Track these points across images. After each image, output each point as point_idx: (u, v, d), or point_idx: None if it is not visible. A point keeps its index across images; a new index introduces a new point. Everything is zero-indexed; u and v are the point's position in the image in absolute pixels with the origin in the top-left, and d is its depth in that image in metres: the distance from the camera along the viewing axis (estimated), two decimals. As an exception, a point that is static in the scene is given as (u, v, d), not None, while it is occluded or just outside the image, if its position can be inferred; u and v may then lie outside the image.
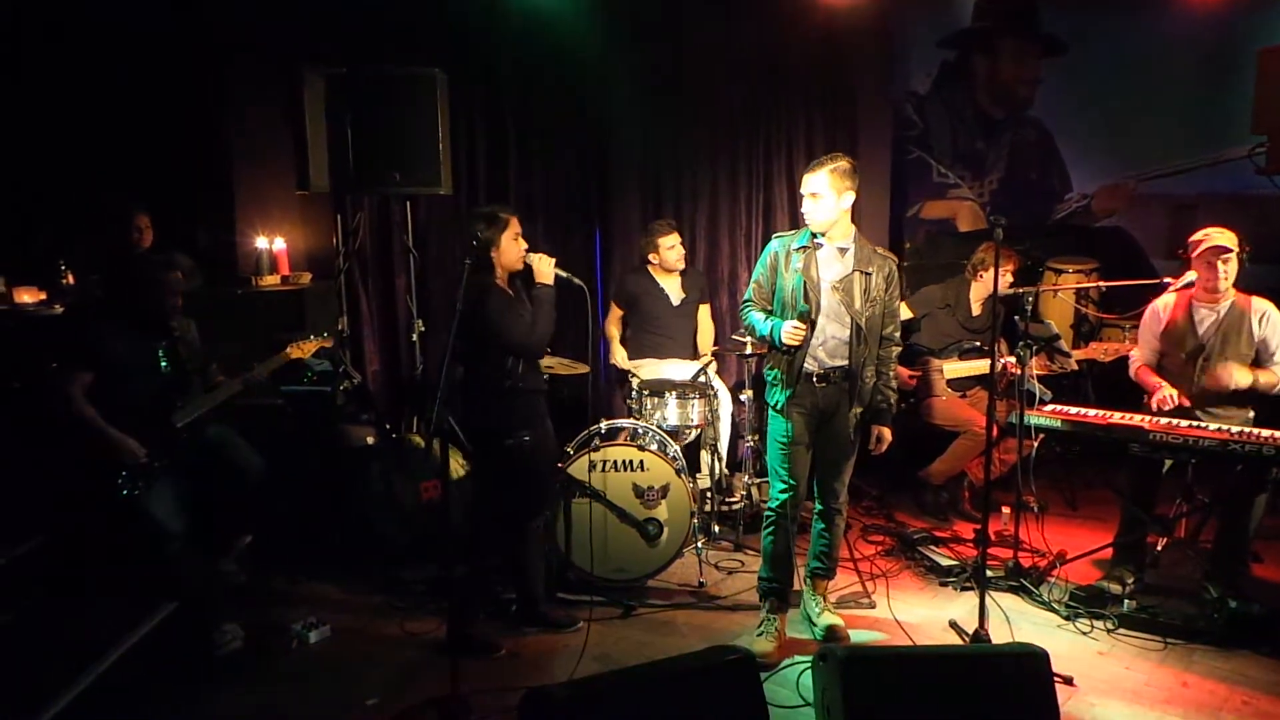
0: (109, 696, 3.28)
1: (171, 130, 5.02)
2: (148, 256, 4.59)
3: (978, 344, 5.00)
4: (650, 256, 5.05)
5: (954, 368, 4.98)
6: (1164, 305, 4.14)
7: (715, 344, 5.31)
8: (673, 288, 5.10)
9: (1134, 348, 4.29)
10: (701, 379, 4.72)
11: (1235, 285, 3.98)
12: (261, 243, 5.06)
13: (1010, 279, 4.81)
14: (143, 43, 4.92)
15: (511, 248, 3.59)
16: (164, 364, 3.77)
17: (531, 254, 3.64)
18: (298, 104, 4.54)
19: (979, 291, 5.00)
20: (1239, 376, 3.79)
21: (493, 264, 3.56)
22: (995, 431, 3.74)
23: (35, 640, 3.64)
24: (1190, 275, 3.95)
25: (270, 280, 5.02)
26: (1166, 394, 3.93)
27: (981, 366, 4.93)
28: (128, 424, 3.60)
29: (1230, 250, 3.88)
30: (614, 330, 5.22)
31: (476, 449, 3.76)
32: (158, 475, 3.63)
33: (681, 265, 5.06)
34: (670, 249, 4.99)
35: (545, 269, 3.62)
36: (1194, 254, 3.96)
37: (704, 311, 5.25)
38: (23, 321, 4.59)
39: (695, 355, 5.13)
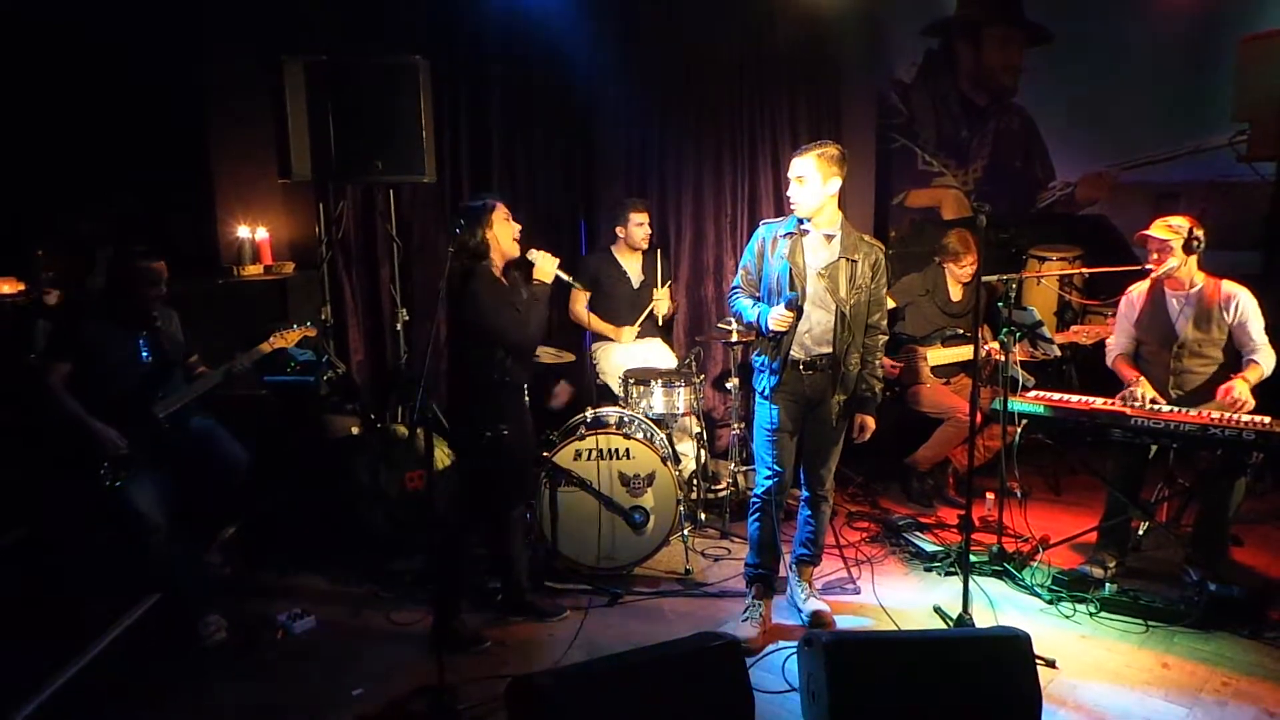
0: (94, 688, 3.26)
1: (151, 119, 4.97)
2: (128, 248, 4.54)
3: (959, 330, 5.03)
4: (618, 231, 5.07)
5: (938, 354, 5.01)
6: (1137, 293, 4.16)
7: (687, 327, 5.30)
8: (634, 269, 5.12)
9: (1112, 332, 4.31)
10: (686, 369, 4.73)
11: (1207, 270, 4.00)
12: (243, 232, 5.02)
13: (971, 270, 4.91)
14: (123, 31, 4.86)
15: (505, 230, 3.51)
16: (145, 355, 3.74)
17: (534, 250, 3.59)
18: (278, 92, 4.50)
19: (954, 276, 5.04)
20: (1241, 390, 3.73)
21: (487, 251, 3.48)
22: (979, 418, 3.76)
23: (18, 633, 3.61)
24: (1170, 261, 3.95)
25: (253, 270, 4.97)
26: (1137, 393, 3.88)
27: (965, 353, 4.96)
28: (109, 415, 3.57)
29: (1165, 240, 3.90)
30: (583, 311, 5.21)
31: (457, 440, 3.73)
32: (140, 466, 3.61)
33: (645, 245, 5.09)
34: (639, 225, 5.01)
35: (547, 267, 3.57)
36: None
37: (665, 291, 5.25)
38: (1, 313, 4.53)
39: (655, 331, 5.15)
